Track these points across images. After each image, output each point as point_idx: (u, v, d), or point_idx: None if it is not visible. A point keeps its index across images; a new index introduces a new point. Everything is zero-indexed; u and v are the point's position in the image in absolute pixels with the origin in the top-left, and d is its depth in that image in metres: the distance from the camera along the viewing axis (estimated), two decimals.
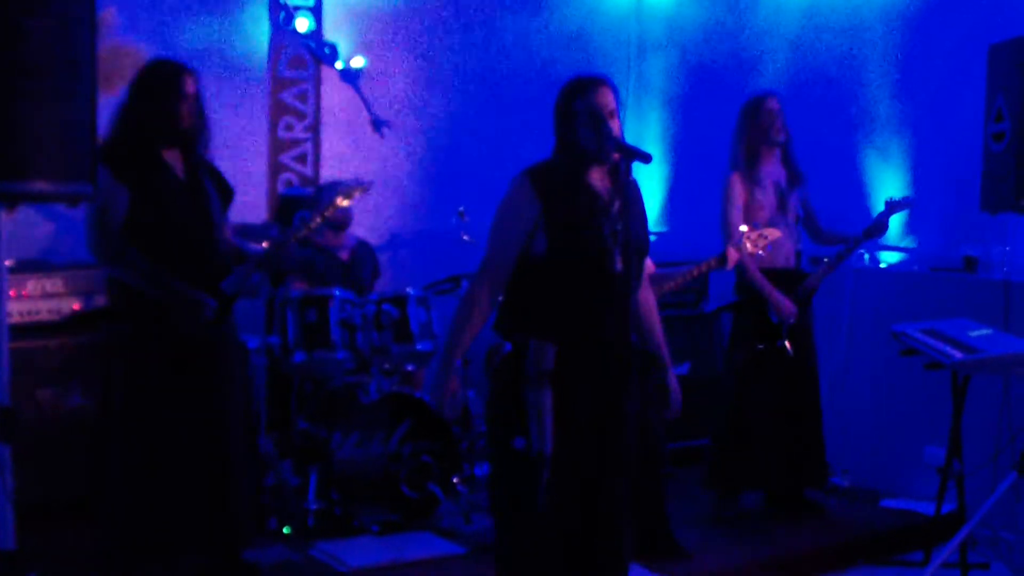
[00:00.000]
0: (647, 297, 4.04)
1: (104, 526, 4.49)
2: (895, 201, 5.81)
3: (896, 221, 6.13)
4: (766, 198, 5.70)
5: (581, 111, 3.71)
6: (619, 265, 3.71)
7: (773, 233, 5.43)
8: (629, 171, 3.76)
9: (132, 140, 4.47)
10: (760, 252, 5.43)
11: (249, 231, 5.94)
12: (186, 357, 4.47)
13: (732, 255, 5.36)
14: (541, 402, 3.65)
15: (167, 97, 4.46)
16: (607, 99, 3.74)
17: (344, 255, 6.27)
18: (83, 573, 4.60)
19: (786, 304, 5.68)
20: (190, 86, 4.49)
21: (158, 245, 4.43)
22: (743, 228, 5.47)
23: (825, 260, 5.82)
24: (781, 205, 5.74)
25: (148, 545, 4.44)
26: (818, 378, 5.96)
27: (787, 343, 5.72)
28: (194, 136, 4.53)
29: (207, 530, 4.53)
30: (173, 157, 4.54)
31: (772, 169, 5.76)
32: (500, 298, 3.88)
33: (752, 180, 5.71)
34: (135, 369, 4.44)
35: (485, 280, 3.79)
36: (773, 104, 5.72)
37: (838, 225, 6.00)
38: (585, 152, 3.72)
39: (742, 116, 5.78)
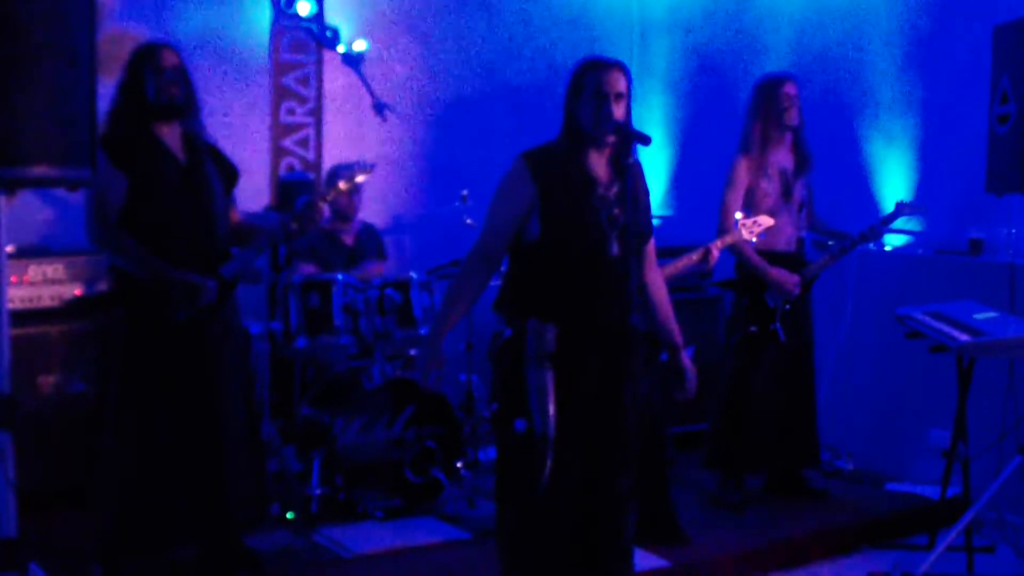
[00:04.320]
0: (655, 278, 4.03)
1: (99, 513, 4.48)
2: (905, 204, 5.77)
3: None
4: (771, 185, 5.66)
5: (588, 86, 3.73)
6: (615, 249, 3.71)
7: (766, 221, 5.39)
8: (629, 154, 3.75)
9: (125, 124, 4.46)
10: (754, 239, 5.41)
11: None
12: (182, 344, 4.45)
13: (715, 253, 5.28)
14: (543, 384, 3.66)
15: (145, 72, 4.45)
16: (616, 81, 3.75)
17: (348, 239, 6.26)
18: (83, 561, 4.59)
19: (786, 278, 5.65)
20: (167, 60, 4.47)
21: (155, 231, 4.41)
22: (738, 215, 5.44)
23: (830, 244, 5.80)
24: (785, 193, 5.70)
25: (144, 533, 4.44)
26: (813, 362, 5.94)
27: (779, 327, 5.71)
28: (181, 109, 4.50)
29: (204, 517, 4.52)
30: (172, 139, 4.52)
31: (781, 154, 5.72)
32: (499, 281, 3.90)
33: (759, 166, 5.67)
34: (130, 355, 4.43)
35: (478, 258, 3.82)
36: (791, 88, 5.65)
37: (843, 211, 5.98)
38: (584, 132, 3.72)
39: (757, 97, 5.72)
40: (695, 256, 5.27)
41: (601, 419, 3.74)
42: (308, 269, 5.92)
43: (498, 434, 3.88)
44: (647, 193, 3.98)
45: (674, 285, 6.78)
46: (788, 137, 5.73)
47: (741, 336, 5.80)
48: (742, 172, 5.68)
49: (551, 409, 3.66)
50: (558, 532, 3.72)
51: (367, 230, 6.41)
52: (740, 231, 5.36)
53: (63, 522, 5.10)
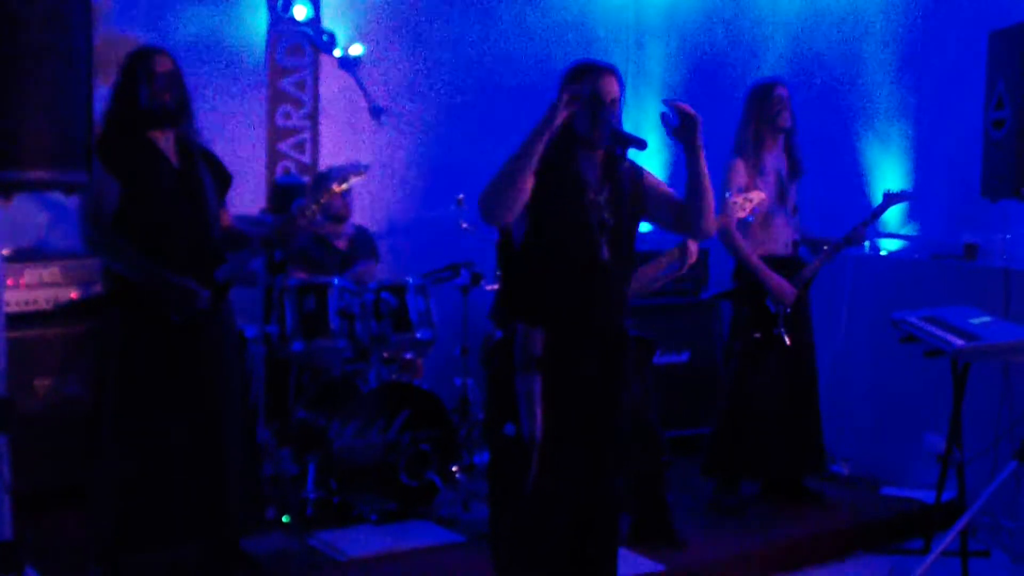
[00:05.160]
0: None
1: (97, 515, 4.48)
2: (893, 194, 5.80)
3: (896, 208, 6.12)
4: (766, 187, 5.67)
5: (582, 90, 3.70)
6: (605, 253, 3.70)
7: (757, 195, 5.26)
8: (623, 158, 3.74)
9: (119, 128, 4.46)
10: (749, 216, 5.30)
11: (246, 221, 5.92)
12: (179, 346, 4.45)
13: (692, 247, 4.99)
14: (530, 388, 3.66)
15: (138, 77, 4.45)
16: (611, 87, 3.74)
17: (342, 244, 6.25)
18: (79, 563, 4.58)
19: (786, 288, 5.67)
20: (160, 65, 4.47)
21: (150, 235, 4.41)
22: (726, 195, 5.33)
23: (825, 248, 5.80)
24: (781, 195, 5.73)
25: (142, 534, 4.44)
26: (816, 366, 5.95)
27: (784, 332, 5.71)
28: (173, 115, 4.50)
29: (201, 519, 4.51)
30: (167, 144, 4.52)
31: (775, 157, 5.75)
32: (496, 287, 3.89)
33: (755, 167, 5.69)
34: (127, 358, 4.43)
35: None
36: (782, 91, 5.71)
37: (838, 215, 5.99)
38: (575, 135, 3.71)
39: (750, 101, 5.77)
40: (667, 258, 4.99)
41: (599, 422, 3.73)
42: (299, 275, 5.90)
43: (489, 438, 3.88)
44: (641, 181, 3.88)
45: (671, 289, 6.82)
46: (781, 140, 5.76)
47: (745, 343, 5.80)
48: (740, 172, 5.68)
49: (538, 413, 3.65)
50: (552, 535, 3.72)
51: (360, 233, 6.40)
52: (731, 208, 5.18)
53: (59, 525, 5.10)
